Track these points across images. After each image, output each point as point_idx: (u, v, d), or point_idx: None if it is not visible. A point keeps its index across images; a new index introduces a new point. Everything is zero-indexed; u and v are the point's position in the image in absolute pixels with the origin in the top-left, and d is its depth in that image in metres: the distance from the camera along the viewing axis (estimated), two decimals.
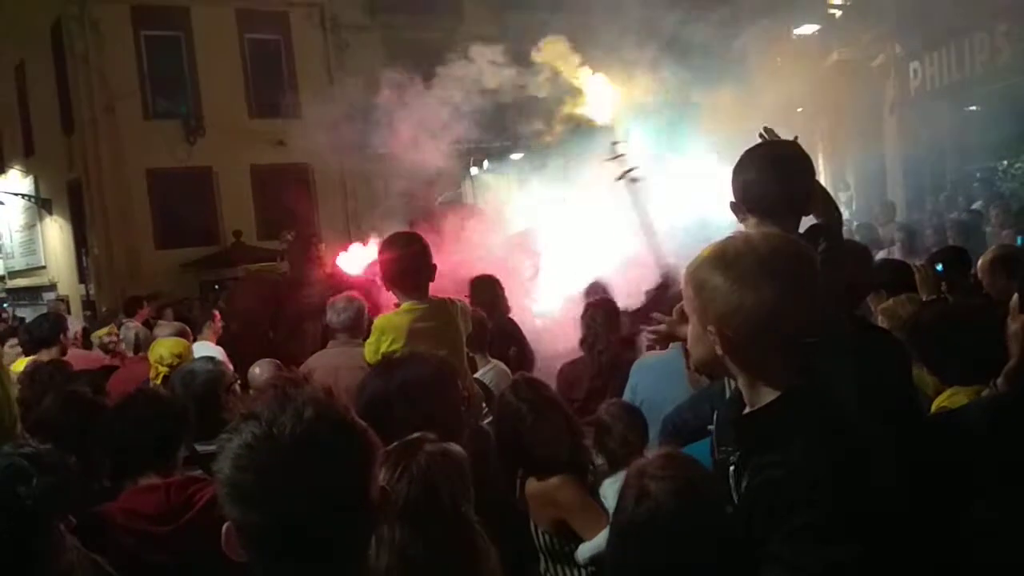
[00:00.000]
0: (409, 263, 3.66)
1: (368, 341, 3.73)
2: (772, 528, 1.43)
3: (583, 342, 4.75)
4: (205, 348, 5.74)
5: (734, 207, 2.43)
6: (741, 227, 2.38)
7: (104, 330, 7.36)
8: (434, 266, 3.75)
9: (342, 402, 1.27)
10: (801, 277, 1.54)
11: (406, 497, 1.77)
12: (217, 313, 6.72)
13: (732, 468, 1.60)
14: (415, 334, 3.51)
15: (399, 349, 3.46)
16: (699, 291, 1.57)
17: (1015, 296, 2.40)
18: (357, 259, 6.91)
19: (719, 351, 1.55)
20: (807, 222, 2.52)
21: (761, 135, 2.54)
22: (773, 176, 2.33)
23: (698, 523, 1.56)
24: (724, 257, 1.55)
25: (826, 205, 2.64)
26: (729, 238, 1.64)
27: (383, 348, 3.56)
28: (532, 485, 2.81)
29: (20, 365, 5.12)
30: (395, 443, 1.86)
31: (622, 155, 6.28)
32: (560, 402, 3.08)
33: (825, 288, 2.19)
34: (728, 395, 2.51)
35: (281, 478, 1.13)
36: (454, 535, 1.80)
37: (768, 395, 1.56)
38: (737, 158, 2.45)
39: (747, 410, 1.61)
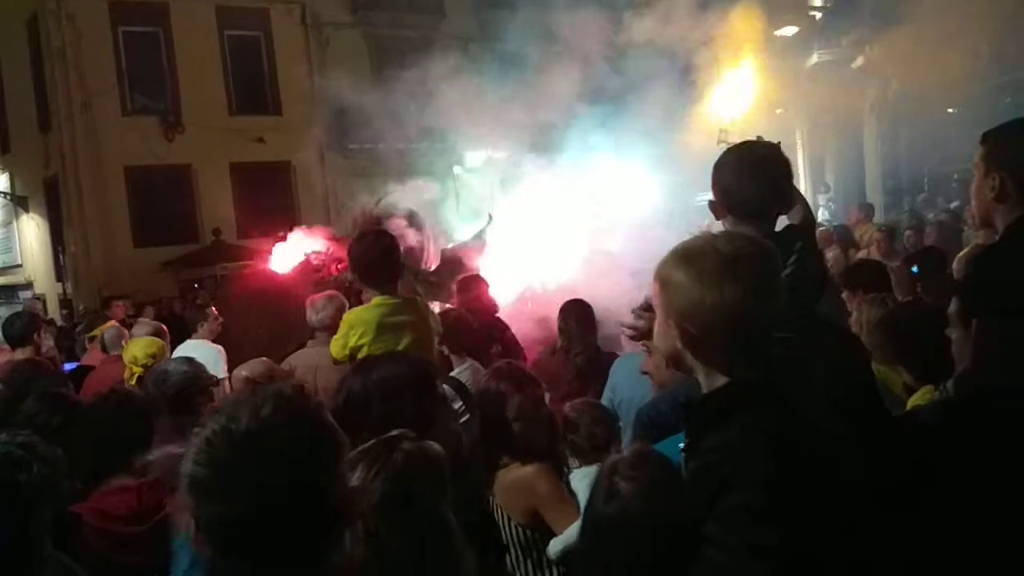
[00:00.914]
0: (377, 258, 3.71)
1: (336, 336, 3.74)
2: (708, 509, 1.48)
3: (560, 345, 4.77)
4: (200, 348, 5.67)
5: (712, 206, 2.45)
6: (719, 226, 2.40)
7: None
8: (403, 264, 3.79)
9: (314, 400, 1.27)
10: (762, 279, 1.58)
11: (381, 495, 1.75)
12: (215, 310, 6.64)
13: (683, 456, 1.65)
14: (384, 328, 3.52)
15: (368, 343, 3.47)
16: (664, 286, 1.63)
17: (953, 302, 2.42)
18: (286, 257, 6.93)
19: (679, 345, 1.62)
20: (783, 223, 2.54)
21: (721, 140, 2.57)
22: (751, 178, 2.35)
23: (663, 522, 1.58)
24: (688, 255, 1.61)
25: (802, 207, 2.69)
26: (695, 236, 1.71)
27: (351, 343, 3.56)
28: (509, 474, 2.82)
29: None
30: (371, 441, 1.85)
31: None
32: (540, 384, 3.12)
33: (799, 284, 2.22)
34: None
35: (235, 473, 1.14)
36: (430, 534, 1.79)
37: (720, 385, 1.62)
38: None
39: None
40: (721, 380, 1.61)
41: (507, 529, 2.81)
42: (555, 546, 2.71)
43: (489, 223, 7.28)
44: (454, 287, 5.62)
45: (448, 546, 1.81)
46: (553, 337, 5.16)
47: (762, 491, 1.44)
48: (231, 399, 1.24)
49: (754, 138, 2.87)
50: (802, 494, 1.45)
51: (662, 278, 1.64)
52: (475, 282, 5.64)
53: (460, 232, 8.05)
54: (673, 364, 1.73)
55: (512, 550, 2.80)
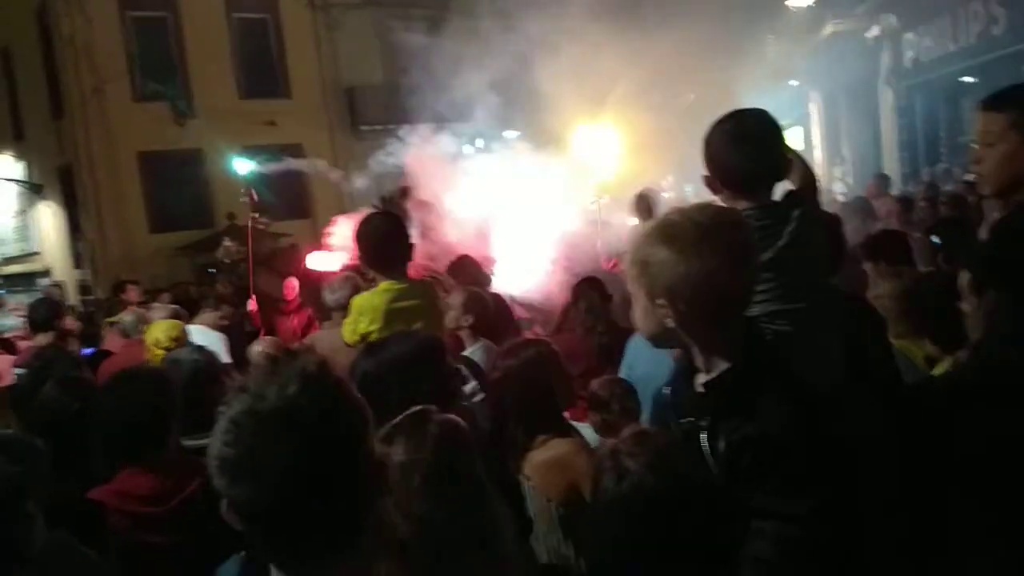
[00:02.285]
0: (385, 242, 3.62)
1: (346, 321, 3.69)
2: (755, 483, 1.52)
3: (580, 322, 4.74)
4: (201, 333, 5.70)
5: (708, 181, 2.39)
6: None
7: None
8: (412, 245, 3.72)
9: (337, 376, 1.26)
10: (740, 244, 1.62)
11: (427, 466, 1.76)
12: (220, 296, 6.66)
13: (704, 435, 1.66)
14: (392, 314, 3.47)
15: (377, 330, 3.42)
16: (644, 267, 1.65)
17: (963, 273, 2.37)
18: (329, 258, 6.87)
19: (670, 323, 1.63)
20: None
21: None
22: (742, 150, 2.28)
23: (676, 492, 1.60)
24: (665, 231, 1.63)
25: (800, 169, 2.60)
26: (666, 214, 1.72)
27: (360, 329, 3.52)
28: (543, 453, 2.81)
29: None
30: (402, 416, 1.86)
31: None
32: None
33: (800, 254, 2.19)
34: None
35: (263, 452, 1.13)
36: (474, 502, 1.81)
37: (724, 360, 1.65)
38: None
39: (705, 377, 1.69)
40: (721, 356, 1.63)
41: (545, 512, 2.79)
42: None
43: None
44: (447, 270, 5.57)
45: (491, 511, 1.83)
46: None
47: (805, 461, 1.50)
48: (255, 376, 1.20)
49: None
50: (836, 457, 1.52)
51: (641, 259, 1.65)
52: (468, 262, 5.60)
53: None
54: (658, 343, 1.76)
55: (539, 526, 2.79)
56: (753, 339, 1.66)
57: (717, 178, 2.34)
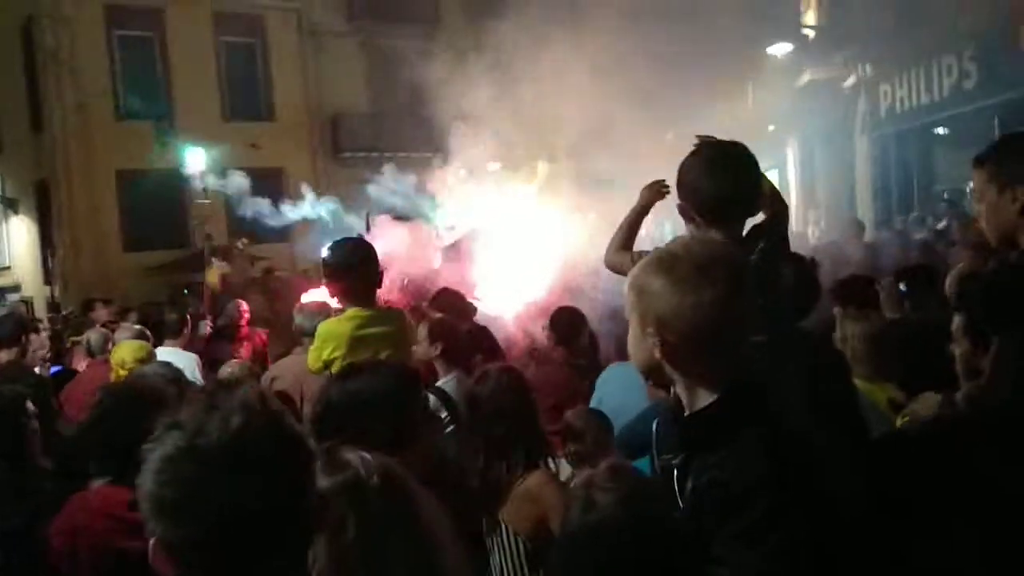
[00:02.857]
0: (353, 267, 3.59)
1: (311, 348, 3.67)
2: (717, 527, 1.47)
3: (560, 353, 4.74)
4: (175, 355, 5.63)
5: (682, 210, 2.40)
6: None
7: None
8: (381, 273, 3.70)
9: (277, 407, 1.21)
10: (737, 282, 1.59)
11: (353, 539, 1.72)
12: (188, 318, 6.59)
13: (675, 471, 1.63)
14: (357, 341, 3.45)
15: (340, 357, 3.39)
16: (640, 295, 1.63)
17: (956, 317, 2.41)
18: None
19: (658, 355, 1.60)
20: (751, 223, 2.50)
21: (699, 137, 2.52)
22: (720, 181, 2.29)
23: (643, 529, 1.58)
24: (663, 262, 1.61)
25: (772, 198, 2.61)
26: (669, 243, 1.71)
27: (324, 356, 3.49)
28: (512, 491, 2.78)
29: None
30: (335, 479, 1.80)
31: None
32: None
33: (763, 286, 2.20)
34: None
35: (206, 491, 1.07)
36: (414, 554, 1.76)
37: (706, 397, 1.61)
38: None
39: (687, 413, 1.65)
40: (704, 393, 1.60)
41: (512, 547, 2.75)
42: None
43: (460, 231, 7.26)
44: (429, 300, 5.57)
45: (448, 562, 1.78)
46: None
47: (770, 511, 1.45)
48: (189, 411, 1.13)
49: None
50: (807, 510, 1.47)
51: (638, 286, 1.63)
52: (452, 292, 5.60)
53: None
54: (647, 375, 1.72)
55: (518, 570, 2.74)
56: (739, 380, 1.62)
57: (691, 206, 2.34)
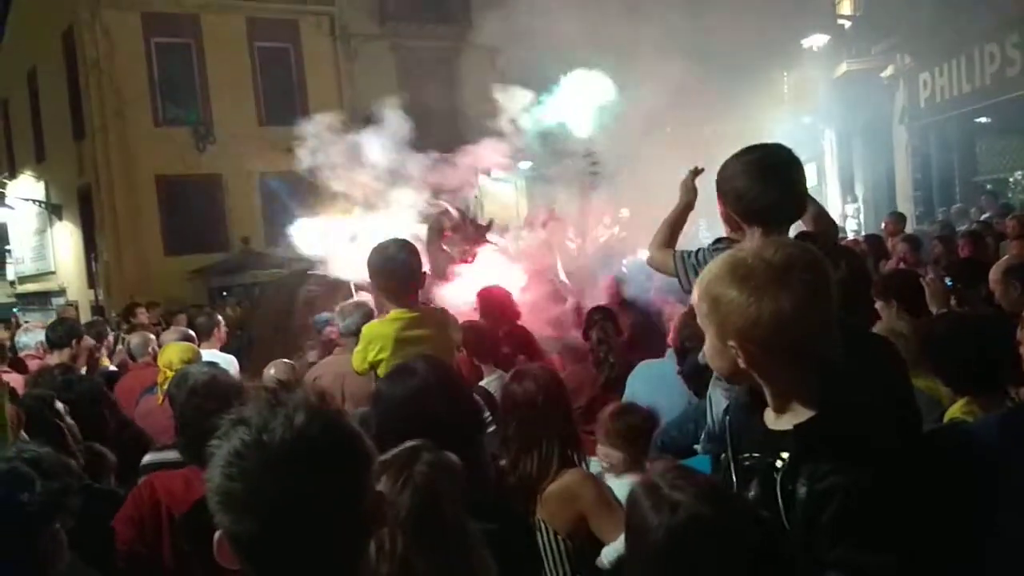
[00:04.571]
0: (397, 270, 3.59)
1: (356, 349, 3.68)
2: (838, 534, 1.47)
3: (592, 352, 4.73)
4: (213, 357, 5.72)
5: (725, 217, 2.34)
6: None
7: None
8: (424, 274, 3.70)
9: (336, 407, 1.24)
10: (816, 284, 1.55)
11: (408, 507, 1.74)
12: (222, 320, 6.68)
13: (778, 475, 1.59)
14: (402, 343, 3.45)
15: (387, 358, 3.41)
16: (715, 306, 1.58)
17: None
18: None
19: (743, 365, 1.57)
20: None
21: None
22: (770, 183, 2.23)
23: (732, 524, 1.54)
24: (737, 270, 1.57)
25: (819, 215, 2.57)
26: (739, 251, 1.65)
27: (370, 357, 3.51)
28: (548, 489, 2.78)
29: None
30: (393, 451, 1.83)
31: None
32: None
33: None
34: (712, 407, 2.50)
35: (271, 486, 1.09)
36: (455, 546, 1.78)
37: (799, 402, 1.59)
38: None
39: (783, 416, 1.62)
40: (796, 399, 1.59)
41: (552, 545, 2.72)
42: (609, 555, 2.61)
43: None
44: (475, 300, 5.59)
45: (473, 557, 1.79)
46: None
47: (894, 512, 1.48)
48: (254, 408, 1.16)
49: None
50: (913, 514, 1.51)
51: (711, 297, 1.59)
52: (497, 293, 5.61)
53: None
54: (732, 382, 1.71)
55: (559, 568, 2.73)
56: (833, 382, 1.59)
57: (735, 211, 2.28)
